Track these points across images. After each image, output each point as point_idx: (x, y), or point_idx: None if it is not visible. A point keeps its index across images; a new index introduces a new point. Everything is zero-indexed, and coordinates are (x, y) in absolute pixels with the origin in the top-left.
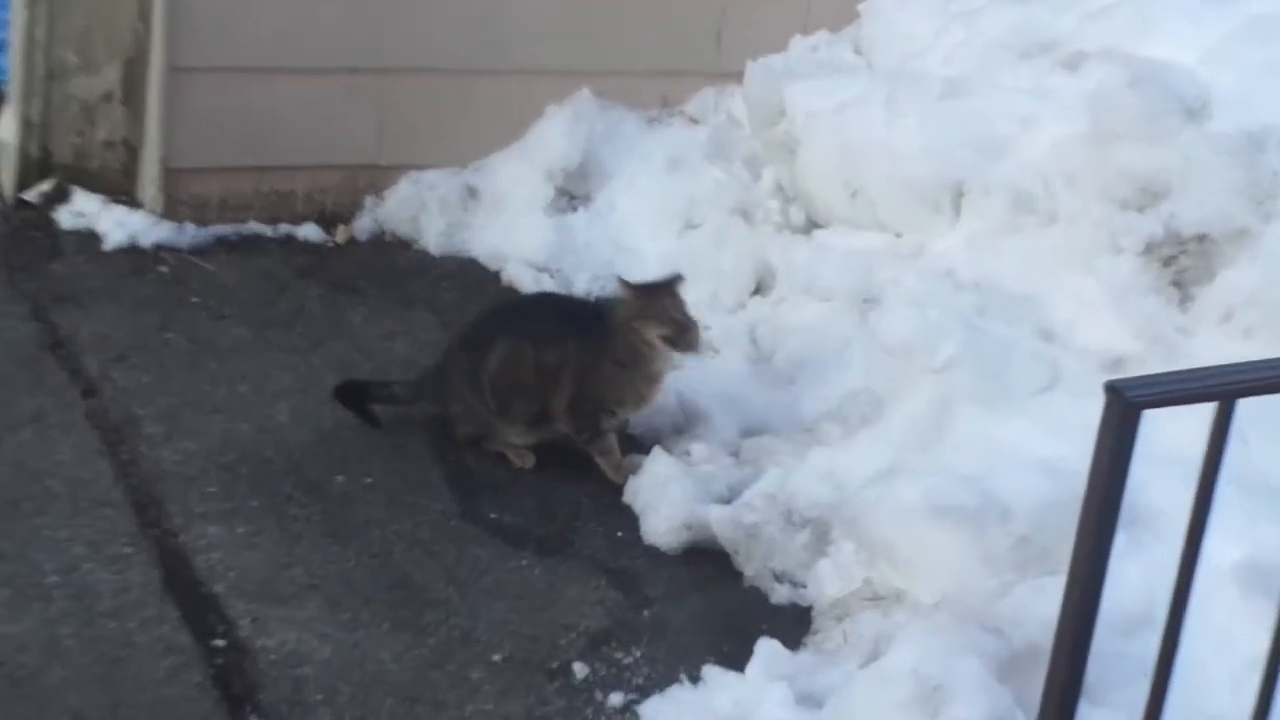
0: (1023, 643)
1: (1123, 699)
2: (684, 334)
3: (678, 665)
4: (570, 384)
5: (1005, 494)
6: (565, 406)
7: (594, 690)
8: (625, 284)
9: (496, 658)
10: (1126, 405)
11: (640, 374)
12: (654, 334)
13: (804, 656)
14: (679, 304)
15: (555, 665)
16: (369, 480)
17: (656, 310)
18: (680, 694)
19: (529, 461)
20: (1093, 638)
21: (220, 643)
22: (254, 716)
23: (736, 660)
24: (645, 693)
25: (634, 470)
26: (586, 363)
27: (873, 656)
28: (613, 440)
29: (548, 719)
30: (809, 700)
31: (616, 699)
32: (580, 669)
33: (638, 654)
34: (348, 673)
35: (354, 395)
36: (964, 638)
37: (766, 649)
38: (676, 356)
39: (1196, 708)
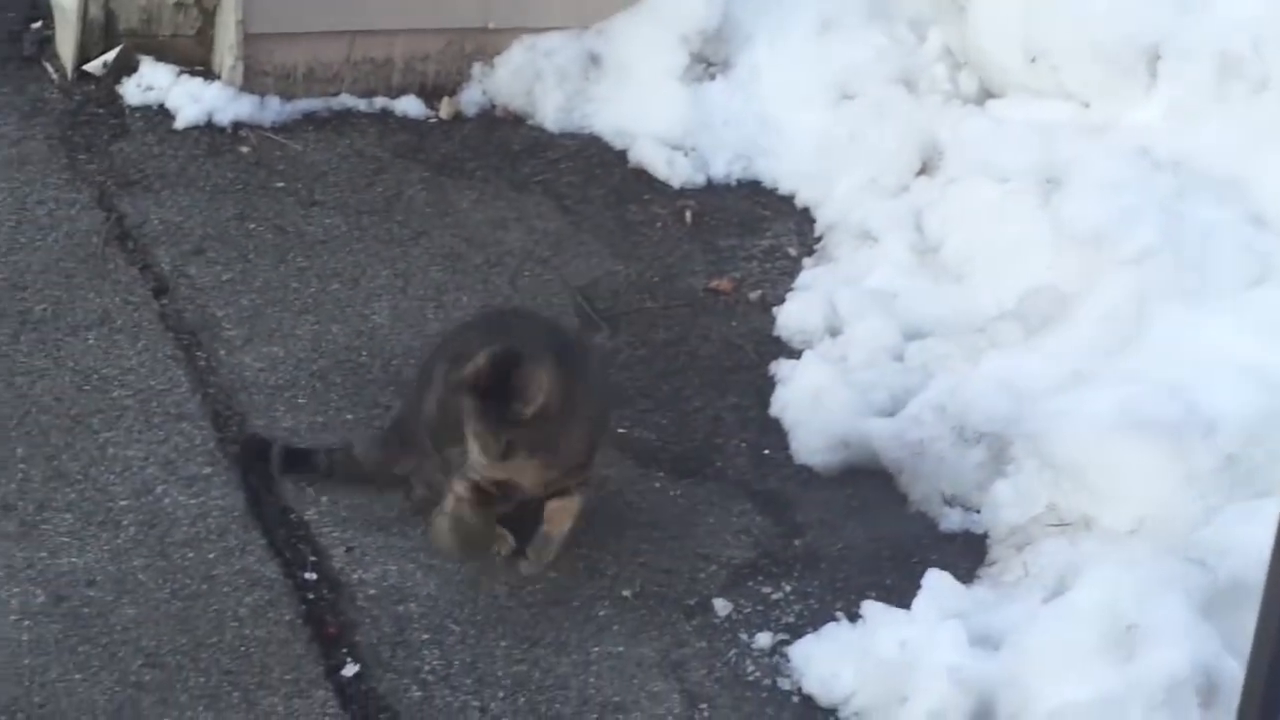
0: (1230, 575)
1: None
2: None
3: (834, 601)
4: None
5: (1210, 405)
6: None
7: (738, 630)
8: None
9: (626, 593)
10: None
11: None
12: None
13: (979, 591)
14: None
15: (693, 602)
16: None
17: None
18: (837, 633)
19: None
20: None
21: (311, 576)
22: (350, 660)
23: (901, 596)
24: (797, 633)
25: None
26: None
27: (1058, 591)
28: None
29: (684, 662)
30: (984, 641)
31: (764, 640)
32: (722, 606)
33: (788, 589)
34: (456, 610)
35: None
36: (1163, 570)
37: (936, 583)
38: None
39: None
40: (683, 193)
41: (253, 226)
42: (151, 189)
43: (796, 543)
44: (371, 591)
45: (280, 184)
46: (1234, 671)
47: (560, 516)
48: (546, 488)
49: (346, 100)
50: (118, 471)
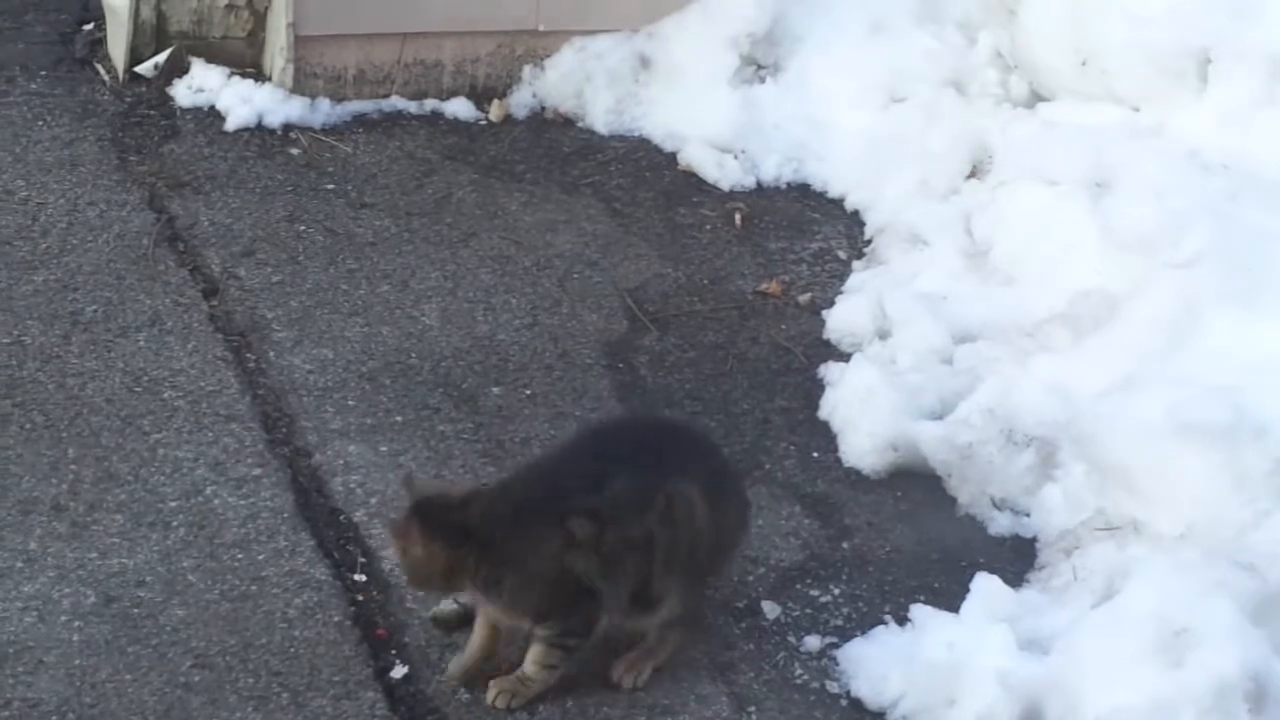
0: (1278, 580)
1: None
2: None
3: (882, 604)
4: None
5: (1261, 409)
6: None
7: (786, 632)
8: None
9: None
10: None
11: None
12: None
13: (1028, 595)
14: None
15: (743, 604)
16: (528, 392)
17: None
18: (886, 637)
19: None
20: None
21: (361, 577)
22: (399, 661)
23: (950, 599)
24: (845, 635)
25: None
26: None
27: (1106, 595)
28: None
29: (733, 665)
30: (1033, 645)
31: (813, 642)
32: (771, 609)
33: (836, 592)
34: None
35: None
36: (1213, 574)
37: (984, 586)
38: None
39: None
40: (732, 195)
41: (302, 228)
42: (202, 190)
43: (845, 546)
44: (421, 593)
45: (330, 186)
46: None
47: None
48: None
49: (396, 102)
50: (168, 473)
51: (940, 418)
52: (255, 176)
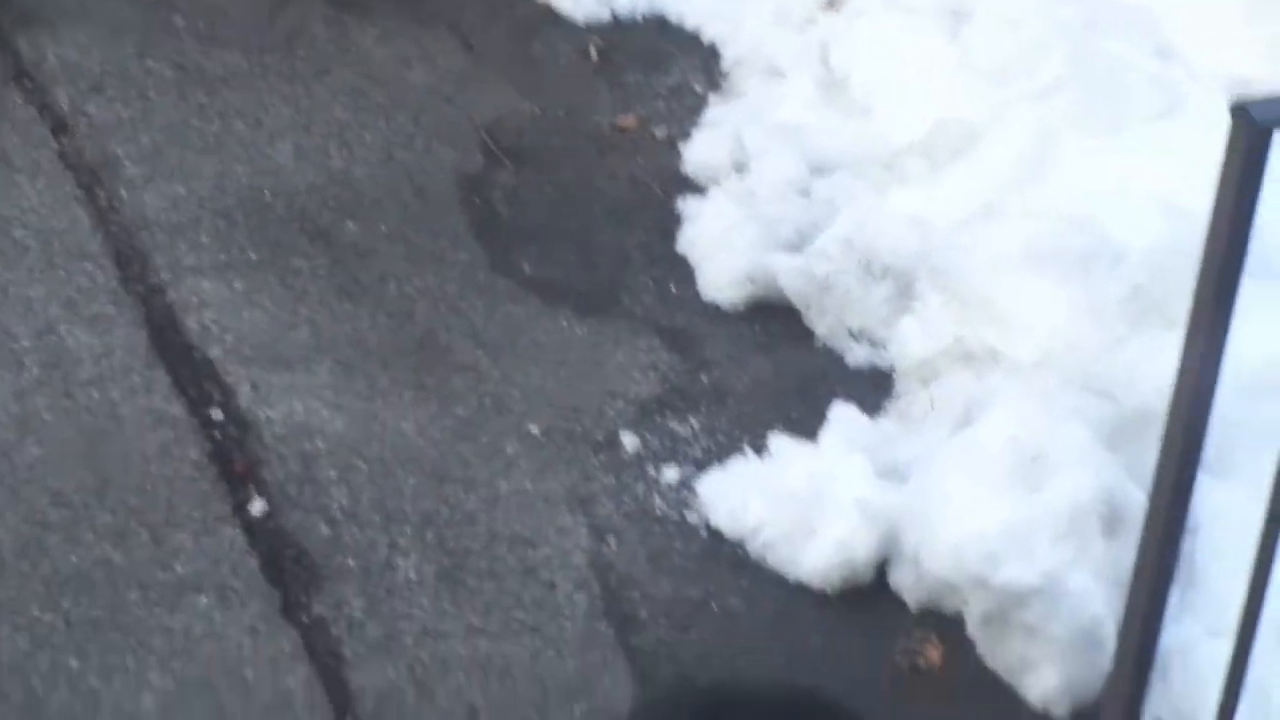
0: (1135, 407)
1: (1248, 471)
2: None
3: (741, 436)
4: None
5: (1117, 237)
6: None
7: (645, 464)
8: None
9: (534, 429)
10: (1256, 128)
11: None
12: None
13: (885, 424)
14: None
15: (601, 437)
16: (384, 228)
17: None
18: (744, 467)
19: None
20: (1214, 401)
21: (217, 414)
22: (258, 497)
23: (808, 429)
24: (704, 467)
25: None
26: None
27: (964, 423)
28: None
29: (592, 497)
30: (891, 473)
31: (671, 474)
32: (630, 441)
33: (695, 424)
34: (364, 447)
35: None
36: (1068, 401)
37: (842, 416)
38: None
39: None
40: (588, 29)
41: (152, 64)
42: (50, 25)
43: (703, 378)
44: (278, 429)
45: (180, 21)
46: (1138, 500)
47: None
48: None
49: None
50: (19, 312)
51: (798, 250)
52: (104, 12)
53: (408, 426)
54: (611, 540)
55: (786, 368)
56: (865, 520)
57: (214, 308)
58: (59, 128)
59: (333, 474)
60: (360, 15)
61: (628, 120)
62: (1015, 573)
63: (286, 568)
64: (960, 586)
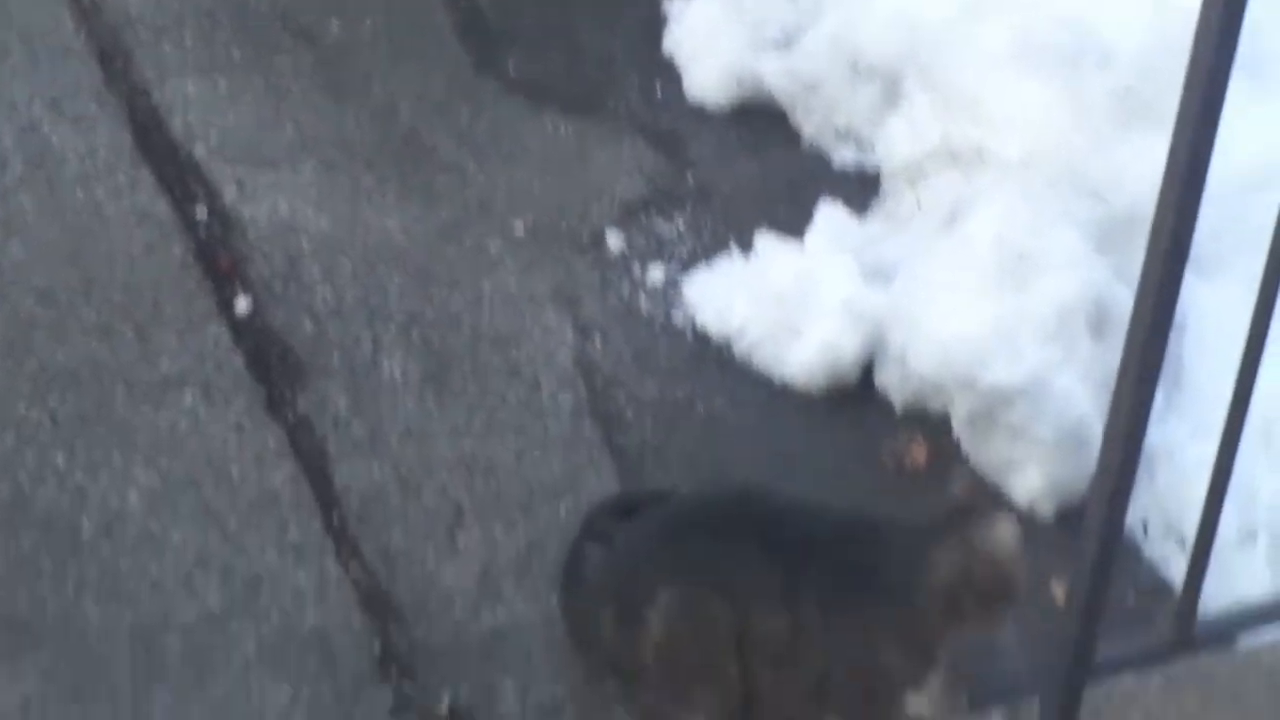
0: (1123, 207)
1: (1237, 270)
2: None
3: (726, 235)
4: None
5: (1106, 35)
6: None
7: (630, 263)
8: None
9: (519, 229)
10: None
11: None
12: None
13: (871, 224)
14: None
15: (586, 237)
16: (368, 26)
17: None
18: (730, 267)
19: None
20: (1201, 201)
21: (202, 213)
22: (243, 294)
23: (794, 229)
24: (689, 266)
25: None
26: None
27: (950, 224)
28: None
29: (577, 296)
30: (877, 274)
31: (656, 273)
32: (615, 240)
33: (680, 223)
34: (349, 246)
35: None
36: (1056, 201)
37: (828, 216)
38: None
39: None
40: None
41: None
42: None
43: (689, 179)
44: (263, 228)
45: None
46: (1125, 301)
47: None
48: None
49: None
50: (4, 112)
51: (785, 50)
52: None
53: (392, 226)
54: (597, 340)
55: (772, 168)
56: (851, 321)
57: (198, 107)
58: None
59: (317, 272)
60: None
61: None
62: (1001, 373)
63: (271, 365)
64: (946, 387)
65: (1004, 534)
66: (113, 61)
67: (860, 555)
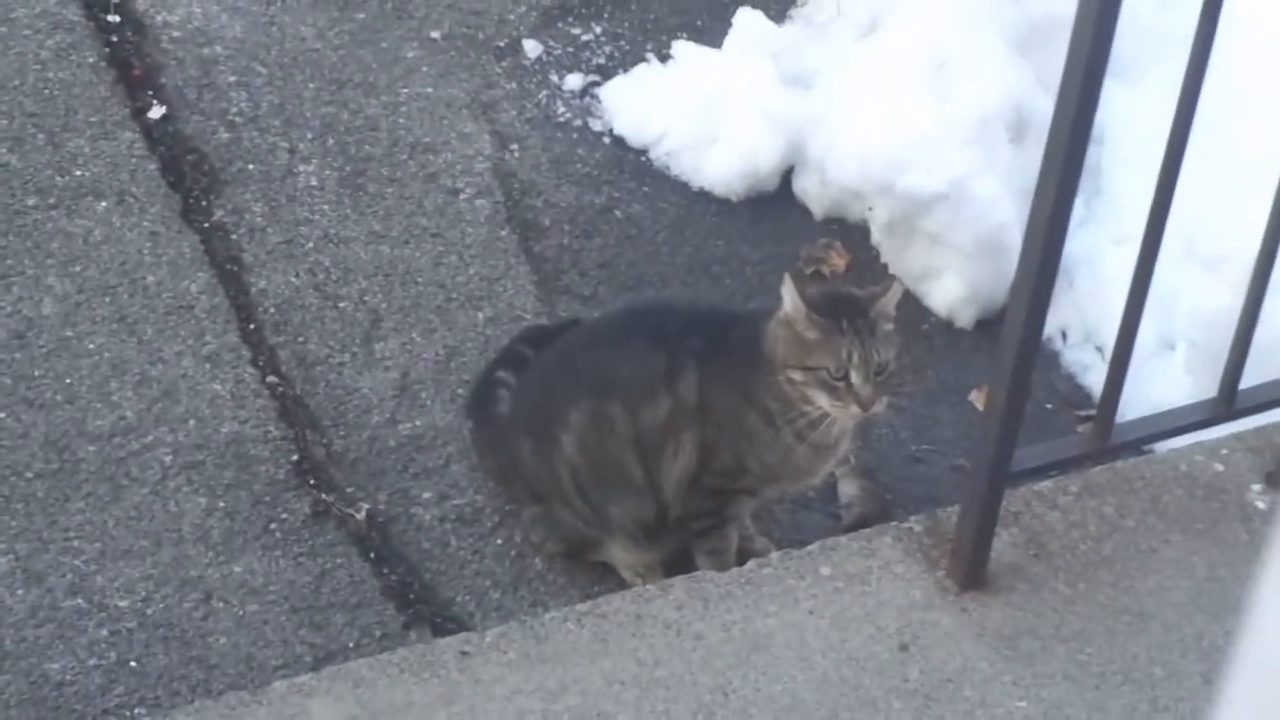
0: (1045, 13)
1: (1157, 76)
2: (850, 389)
3: (644, 42)
4: (687, 448)
5: None
6: (677, 482)
7: (548, 71)
8: (794, 289)
9: (435, 34)
10: None
11: (801, 437)
12: (816, 390)
13: (790, 30)
14: (864, 334)
15: (503, 43)
16: None
17: (827, 347)
18: (647, 74)
19: (656, 577)
20: (1121, 6)
21: (114, 18)
22: (156, 102)
23: (713, 37)
24: (607, 73)
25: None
26: (716, 413)
27: (871, 29)
28: (733, 535)
29: (495, 103)
30: (797, 80)
31: (574, 80)
32: (532, 47)
33: (598, 30)
34: (263, 52)
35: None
36: (977, 6)
37: (747, 22)
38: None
39: (1231, 86)
40: None
41: None
42: None
43: None
44: (177, 34)
45: None
46: (1046, 108)
47: None
48: None
49: None
50: None
51: None
52: None
53: (307, 31)
54: (514, 147)
55: None
56: (770, 127)
57: None
58: None
59: (231, 79)
60: None
61: None
62: (920, 179)
63: (186, 172)
64: (865, 193)
65: None
66: None
67: (727, 335)
